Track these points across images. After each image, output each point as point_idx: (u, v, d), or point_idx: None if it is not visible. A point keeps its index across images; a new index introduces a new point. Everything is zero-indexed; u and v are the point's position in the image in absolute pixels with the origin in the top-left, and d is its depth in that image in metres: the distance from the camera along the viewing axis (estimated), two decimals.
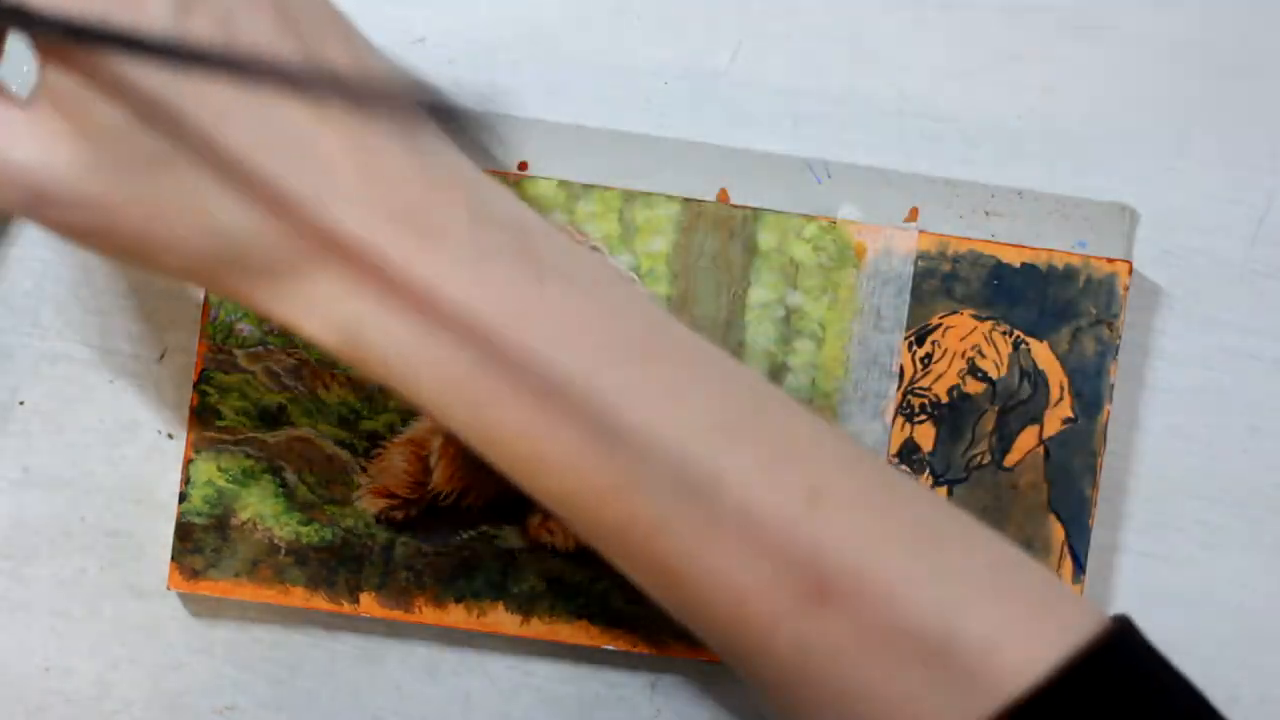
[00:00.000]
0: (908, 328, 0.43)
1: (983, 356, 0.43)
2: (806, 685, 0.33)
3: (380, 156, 0.31)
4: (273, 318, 0.32)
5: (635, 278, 0.43)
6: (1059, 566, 0.43)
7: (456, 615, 0.43)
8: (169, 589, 0.43)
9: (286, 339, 0.43)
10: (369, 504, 0.43)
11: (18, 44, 0.40)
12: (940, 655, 0.32)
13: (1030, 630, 0.33)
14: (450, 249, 0.31)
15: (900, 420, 0.43)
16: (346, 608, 0.43)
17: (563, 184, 0.43)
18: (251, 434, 0.43)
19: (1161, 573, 0.45)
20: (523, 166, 0.43)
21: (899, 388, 0.43)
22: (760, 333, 0.43)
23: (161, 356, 0.44)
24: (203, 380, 0.43)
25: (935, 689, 0.32)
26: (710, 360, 0.34)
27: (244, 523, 0.43)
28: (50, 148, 0.31)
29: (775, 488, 0.32)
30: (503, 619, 0.43)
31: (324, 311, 0.32)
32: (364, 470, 0.43)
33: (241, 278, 0.32)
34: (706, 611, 0.33)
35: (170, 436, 0.44)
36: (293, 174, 0.31)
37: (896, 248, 0.43)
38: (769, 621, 0.32)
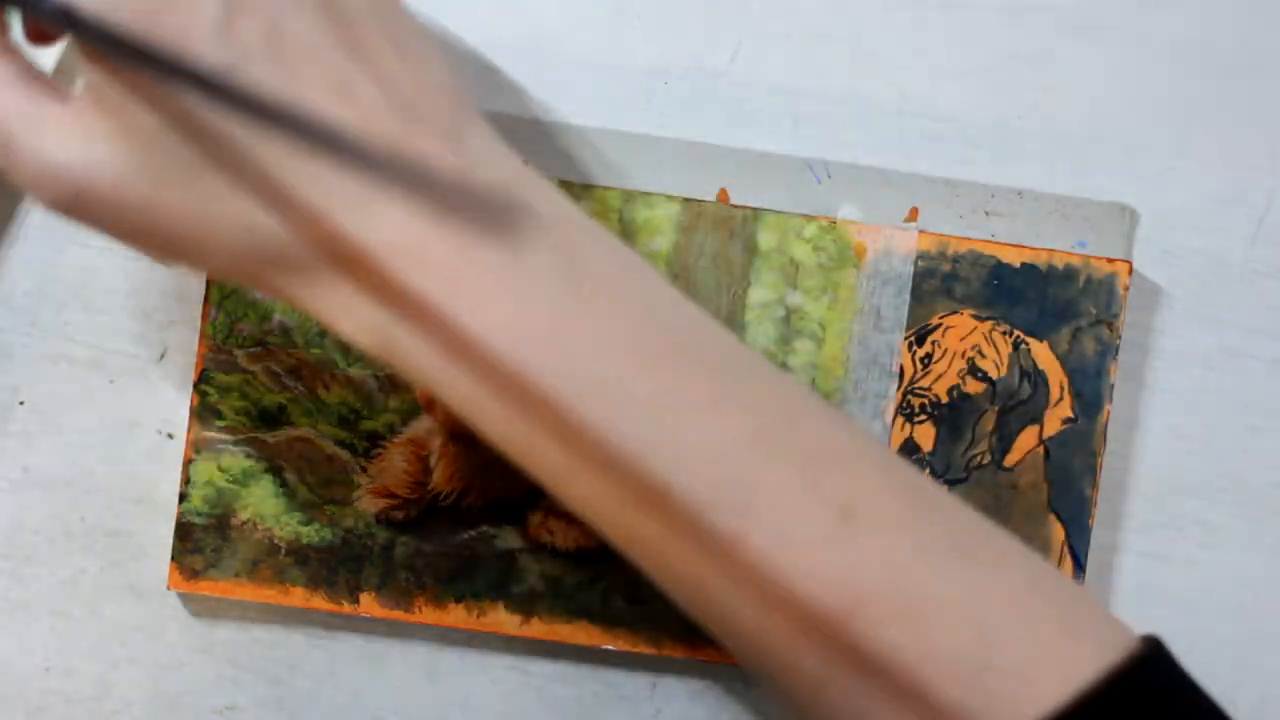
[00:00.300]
0: (908, 328, 0.43)
1: (983, 356, 0.43)
2: (832, 703, 0.33)
3: (423, 160, 0.31)
4: (311, 316, 0.33)
5: None
6: (1059, 567, 0.43)
7: (456, 615, 0.43)
8: (169, 589, 0.43)
9: (287, 339, 0.43)
10: (369, 504, 0.43)
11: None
12: (972, 678, 0.32)
13: (1063, 653, 0.32)
14: (490, 259, 0.31)
15: (900, 420, 0.43)
16: (346, 608, 0.43)
17: (563, 184, 0.43)
18: (251, 434, 0.43)
19: (1161, 573, 0.45)
20: None
21: (899, 388, 0.43)
22: (760, 333, 0.43)
23: (161, 356, 0.44)
24: (203, 380, 0.43)
25: (967, 713, 0.32)
26: (746, 366, 0.34)
27: (244, 523, 0.43)
28: (92, 147, 0.31)
29: (808, 505, 0.32)
30: (503, 619, 0.43)
31: (360, 314, 0.32)
32: (364, 470, 0.43)
33: (281, 277, 0.32)
34: (733, 625, 0.33)
35: (170, 436, 0.44)
36: (330, 180, 0.30)
37: (896, 248, 0.43)
38: (797, 639, 0.32)
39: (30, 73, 0.32)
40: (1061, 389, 0.43)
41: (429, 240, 0.31)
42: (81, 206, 0.31)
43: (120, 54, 0.29)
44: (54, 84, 0.32)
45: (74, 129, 0.31)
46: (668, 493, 0.32)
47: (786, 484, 0.32)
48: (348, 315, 0.32)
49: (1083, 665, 0.32)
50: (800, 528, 0.32)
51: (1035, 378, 0.43)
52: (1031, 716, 0.31)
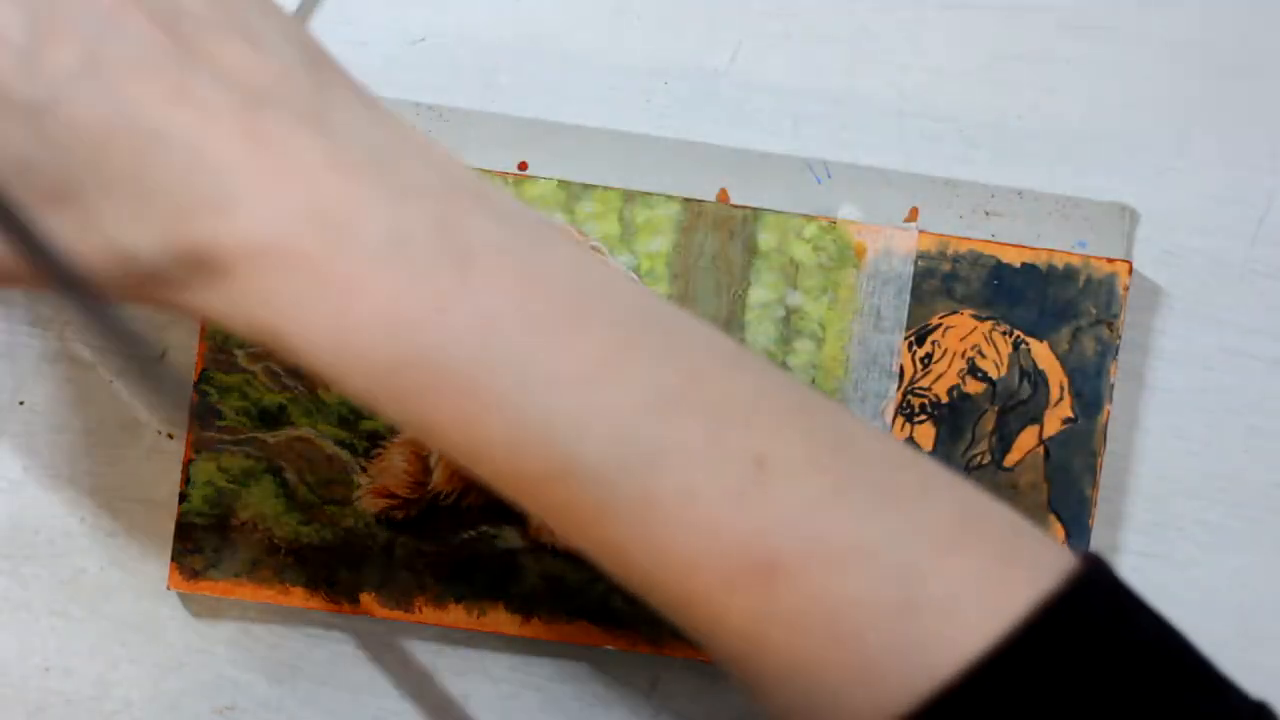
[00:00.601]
0: (908, 328, 0.43)
1: (983, 356, 0.43)
2: (763, 657, 0.32)
3: (281, 151, 0.30)
4: (202, 320, 0.32)
5: (632, 272, 0.43)
6: None
7: (456, 615, 0.43)
8: (169, 589, 0.43)
9: None
10: (369, 504, 0.43)
11: None
12: (900, 620, 0.31)
13: (994, 583, 0.32)
14: (366, 241, 0.30)
15: (900, 420, 0.43)
16: (346, 608, 0.43)
17: (563, 184, 0.43)
18: (251, 434, 0.43)
19: (1161, 573, 0.45)
20: (523, 166, 0.43)
21: (899, 388, 0.43)
22: (760, 333, 0.43)
23: (162, 356, 0.44)
24: (203, 380, 0.43)
25: (897, 655, 0.31)
26: (649, 321, 0.32)
27: (244, 523, 0.43)
28: None
29: (718, 461, 0.31)
30: (503, 619, 0.43)
31: (243, 313, 0.31)
32: (364, 470, 0.43)
33: (160, 291, 0.31)
34: (656, 587, 0.33)
35: (170, 436, 0.44)
36: (186, 187, 0.30)
37: (896, 248, 0.43)
38: (720, 596, 0.32)
39: None
40: (1061, 389, 0.43)
41: (293, 236, 0.30)
42: None
43: None
44: None
45: None
46: (575, 463, 0.31)
47: (693, 441, 0.31)
48: (232, 315, 0.31)
49: (1015, 597, 0.31)
50: (710, 484, 0.31)
51: (1035, 378, 0.43)
52: (963, 655, 0.31)
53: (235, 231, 0.30)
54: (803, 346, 0.43)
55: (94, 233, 0.30)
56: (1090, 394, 0.43)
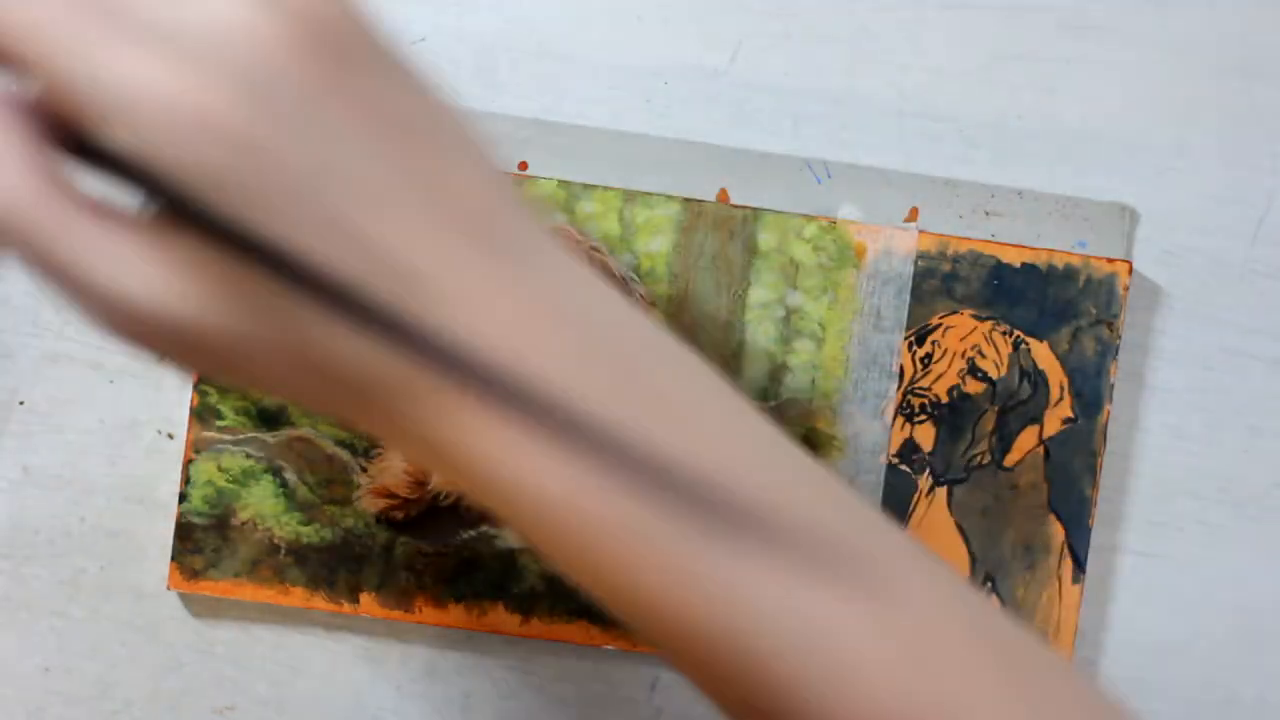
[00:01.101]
0: (908, 328, 0.43)
1: (983, 356, 0.43)
2: None
3: (465, 268, 0.28)
4: (430, 451, 0.29)
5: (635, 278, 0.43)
6: (1059, 566, 0.43)
7: (456, 615, 0.43)
8: (169, 589, 0.43)
9: None
10: (369, 504, 0.43)
11: None
12: None
13: None
14: (570, 364, 0.28)
15: (900, 420, 0.43)
16: (346, 608, 0.43)
17: (563, 184, 0.43)
18: (251, 434, 0.43)
19: (1161, 573, 0.45)
20: (523, 166, 0.43)
21: (899, 388, 0.43)
22: (760, 333, 0.43)
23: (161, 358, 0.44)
24: (203, 380, 0.43)
25: None
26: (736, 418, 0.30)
27: (244, 523, 0.43)
28: (170, 282, 0.28)
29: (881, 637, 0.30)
30: (503, 619, 0.43)
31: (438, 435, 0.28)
32: (364, 470, 0.43)
33: (399, 405, 0.29)
34: None
35: (170, 436, 0.44)
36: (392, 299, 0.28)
37: (896, 248, 0.43)
38: None
39: (91, 202, 0.28)
40: (1061, 389, 0.43)
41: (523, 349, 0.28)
42: (148, 337, 0.30)
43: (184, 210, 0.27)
44: (117, 209, 0.28)
45: (144, 259, 0.28)
46: (758, 650, 0.29)
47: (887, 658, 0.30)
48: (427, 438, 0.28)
49: None
50: (873, 654, 0.30)
51: (1035, 378, 0.43)
52: None
53: (440, 347, 0.27)
54: (803, 346, 0.43)
55: (300, 337, 0.28)
56: (1090, 394, 0.43)
